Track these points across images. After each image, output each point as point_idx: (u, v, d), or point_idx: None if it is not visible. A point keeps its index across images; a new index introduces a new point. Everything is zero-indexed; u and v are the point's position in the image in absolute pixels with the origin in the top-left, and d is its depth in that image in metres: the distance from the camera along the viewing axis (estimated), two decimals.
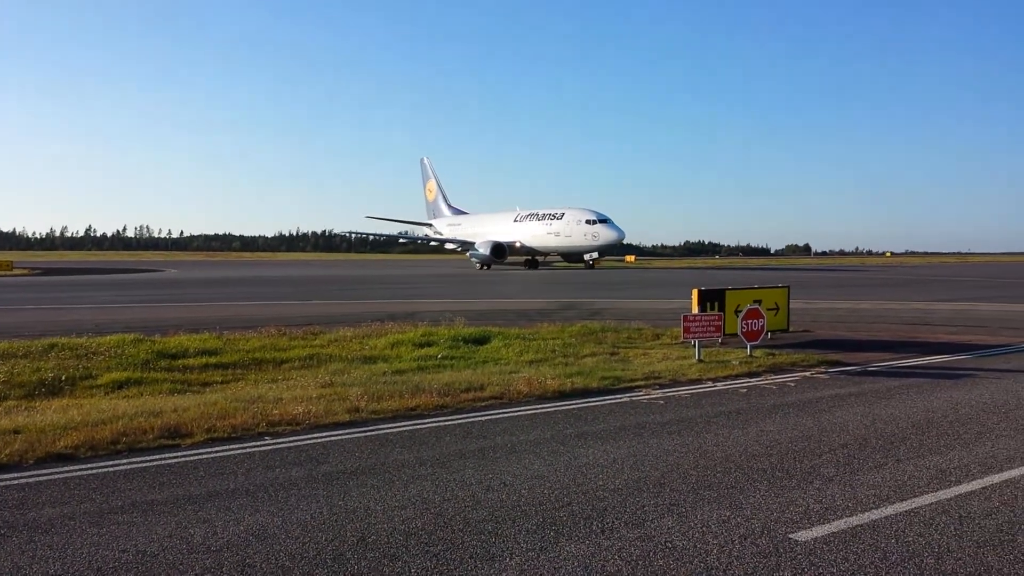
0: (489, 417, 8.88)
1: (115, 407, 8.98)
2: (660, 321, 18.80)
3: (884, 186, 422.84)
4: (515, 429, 8.30)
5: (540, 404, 9.59)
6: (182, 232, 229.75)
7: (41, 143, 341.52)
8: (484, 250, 66.26)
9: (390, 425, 8.46)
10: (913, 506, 5.72)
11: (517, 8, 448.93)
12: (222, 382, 11.15)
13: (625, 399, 9.96)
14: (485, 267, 66.50)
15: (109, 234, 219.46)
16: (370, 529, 5.28)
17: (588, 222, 63.66)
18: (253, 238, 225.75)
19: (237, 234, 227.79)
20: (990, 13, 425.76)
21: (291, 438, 7.84)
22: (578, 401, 9.79)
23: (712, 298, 15.33)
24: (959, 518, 5.48)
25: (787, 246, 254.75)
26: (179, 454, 7.24)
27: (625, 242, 74.56)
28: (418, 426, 8.43)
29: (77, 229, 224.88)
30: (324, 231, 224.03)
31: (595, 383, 10.78)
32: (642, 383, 10.93)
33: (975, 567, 4.65)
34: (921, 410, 9.25)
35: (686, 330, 13.00)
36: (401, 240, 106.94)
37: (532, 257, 72.29)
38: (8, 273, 56.75)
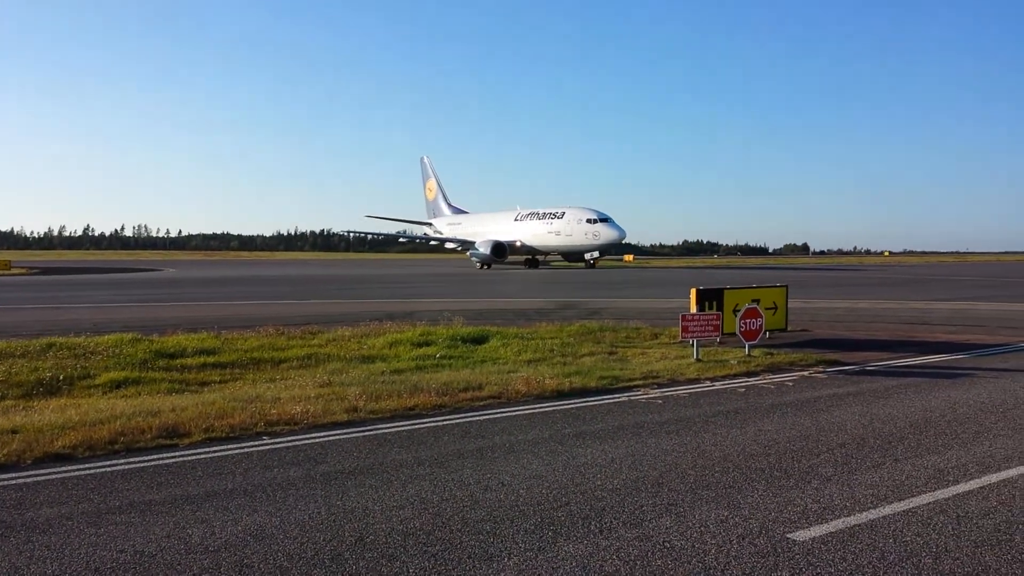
0: (487, 417, 8.88)
1: (113, 407, 8.97)
2: (658, 320, 18.80)
3: (884, 186, 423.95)
4: (513, 429, 8.30)
5: (538, 404, 9.59)
6: (180, 231, 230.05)
7: (40, 143, 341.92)
8: (484, 249, 66.21)
9: (388, 425, 8.45)
10: (911, 506, 5.73)
11: (517, 8, 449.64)
12: (220, 382, 11.14)
13: (623, 399, 9.97)
14: (485, 266, 66.45)
15: (107, 233, 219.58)
16: (368, 529, 5.28)
17: (589, 221, 63.59)
18: (251, 237, 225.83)
19: (235, 233, 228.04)
20: (990, 13, 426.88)
21: (289, 438, 7.83)
22: (576, 401, 9.79)
23: (710, 297, 15.33)
24: (957, 518, 5.48)
25: (785, 245, 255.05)
26: (177, 454, 7.24)
27: (624, 242, 74.56)
28: (416, 426, 8.42)
29: (75, 228, 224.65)
30: (323, 231, 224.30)
31: (593, 383, 10.78)
32: (640, 383, 10.93)
33: (973, 567, 4.66)
34: (919, 410, 9.26)
35: (684, 329, 13.01)
36: (401, 240, 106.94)
37: (533, 256, 72.25)
38: (6, 272, 56.71)
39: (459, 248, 78.12)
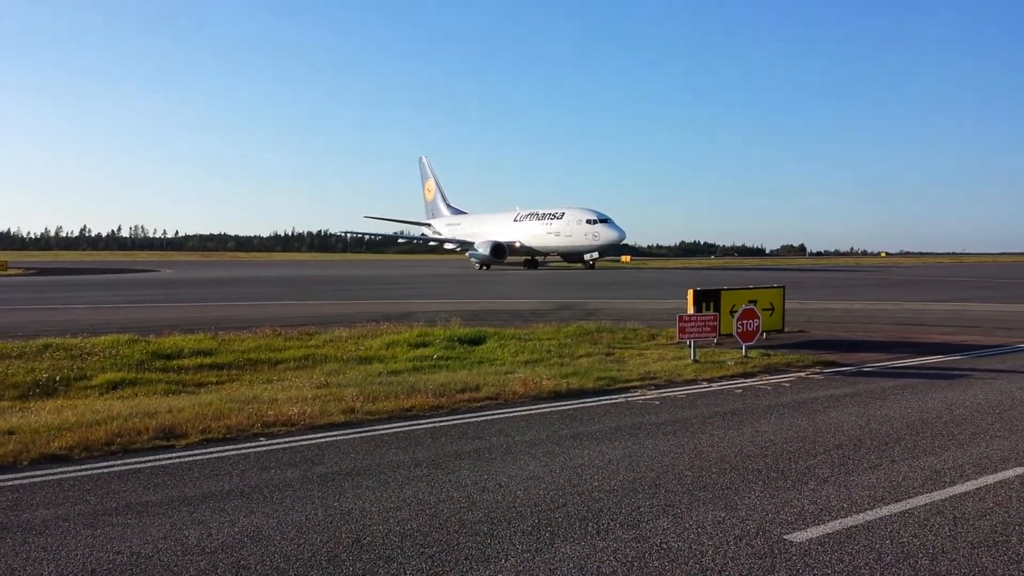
0: (485, 418, 8.88)
1: (110, 408, 8.95)
2: (656, 321, 18.81)
3: (884, 186, 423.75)
4: (511, 430, 8.30)
5: (536, 405, 9.59)
6: (177, 232, 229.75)
7: (38, 143, 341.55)
8: (483, 250, 66.13)
9: (385, 426, 8.45)
10: (908, 507, 5.73)
11: (517, 8, 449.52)
12: (217, 383, 11.13)
13: (621, 400, 9.97)
14: (484, 267, 66.41)
15: (104, 234, 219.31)
16: (365, 530, 5.28)
17: (589, 222, 63.45)
18: (248, 238, 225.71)
19: (232, 234, 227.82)
20: (990, 13, 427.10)
21: (286, 439, 7.83)
22: (574, 402, 9.79)
23: (708, 298, 15.35)
24: (954, 519, 5.49)
25: (782, 246, 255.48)
26: (174, 455, 7.22)
27: (623, 242, 74.61)
28: (413, 427, 8.42)
29: (72, 229, 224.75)
30: (320, 231, 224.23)
31: (591, 384, 10.78)
32: (638, 384, 10.94)
33: (969, 568, 4.67)
34: (916, 411, 9.27)
35: (682, 330, 13.02)
36: (399, 240, 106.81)
37: (532, 257, 72.22)
38: (3, 273, 56.58)
39: (458, 249, 78.06)
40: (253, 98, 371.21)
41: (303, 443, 7.67)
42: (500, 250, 66.66)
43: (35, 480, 6.41)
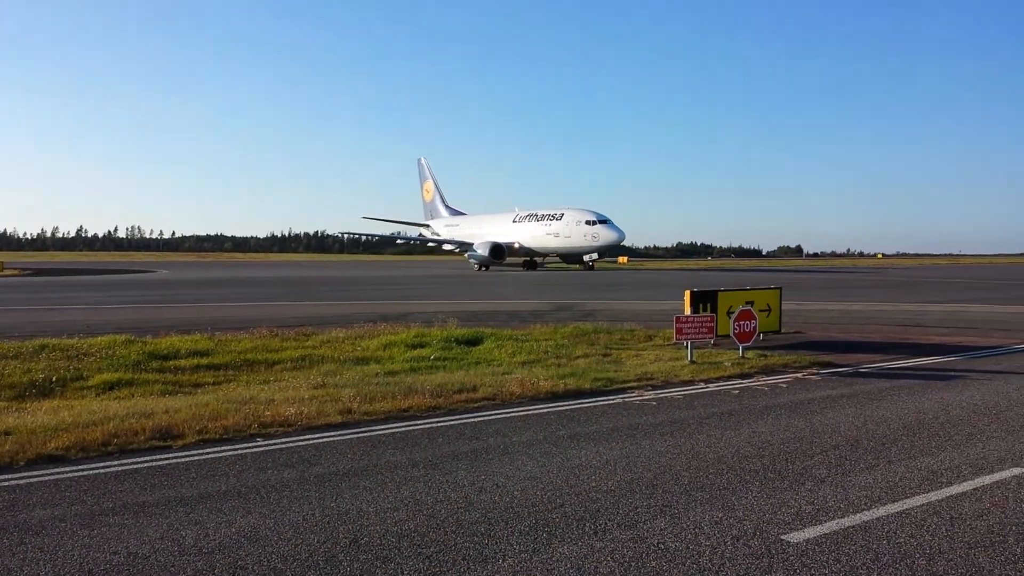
0: (482, 418, 8.88)
1: (106, 408, 8.94)
2: (653, 322, 18.83)
3: (884, 186, 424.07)
4: (508, 430, 8.30)
5: (533, 405, 9.59)
6: (174, 233, 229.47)
7: (36, 143, 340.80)
8: (482, 251, 66.02)
9: (382, 426, 8.44)
10: (904, 507, 5.75)
11: (517, 8, 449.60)
12: (214, 383, 11.11)
13: (618, 400, 9.98)
14: (483, 268, 66.32)
15: (100, 235, 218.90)
16: (362, 531, 5.27)
17: (588, 223, 63.28)
18: (245, 239, 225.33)
19: (229, 235, 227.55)
20: (990, 13, 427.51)
21: (283, 439, 7.82)
22: (571, 402, 9.79)
23: (704, 299, 15.36)
24: (950, 519, 5.51)
25: (779, 247, 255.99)
26: (171, 455, 7.21)
27: (622, 243, 74.60)
28: (411, 427, 8.42)
29: (68, 230, 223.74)
30: (317, 232, 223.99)
31: (588, 384, 10.79)
32: (635, 384, 10.94)
33: (966, 568, 4.68)
34: (912, 411, 9.29)
35: (678, 331, 13.02)
36: (397, 241, 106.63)
37: (531, 258, 72.16)
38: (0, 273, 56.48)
39: (457, 250, 77.97)
40: (252, 98, 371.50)
41: (300, 444, 7.67)
42: (499, 251, 66.55)
43: (32, 480, 6.39)
